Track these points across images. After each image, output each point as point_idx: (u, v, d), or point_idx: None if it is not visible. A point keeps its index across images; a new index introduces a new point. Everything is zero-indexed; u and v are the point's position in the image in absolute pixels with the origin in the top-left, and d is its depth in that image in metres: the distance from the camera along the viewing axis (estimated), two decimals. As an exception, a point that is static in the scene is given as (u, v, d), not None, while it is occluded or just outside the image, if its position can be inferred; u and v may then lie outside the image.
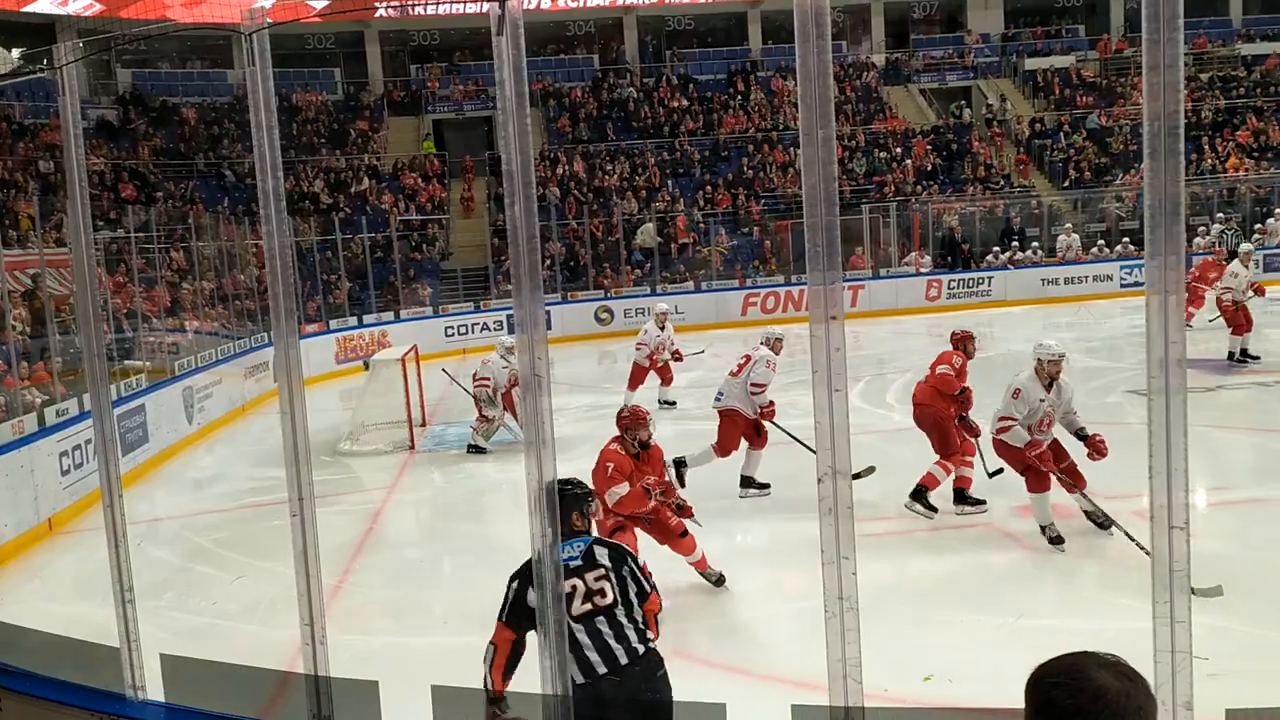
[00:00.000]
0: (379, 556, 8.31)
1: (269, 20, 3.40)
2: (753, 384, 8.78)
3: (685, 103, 29.98)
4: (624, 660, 3.75)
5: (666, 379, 13.34)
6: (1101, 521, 7.05)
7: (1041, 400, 7.05)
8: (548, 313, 20.63)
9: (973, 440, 8.07)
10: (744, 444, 8.92)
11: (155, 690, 3.83)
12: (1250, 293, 13.50)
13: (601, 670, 3.71)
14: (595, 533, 4.83)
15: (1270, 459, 9.28)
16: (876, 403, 12.89)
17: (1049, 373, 7.07)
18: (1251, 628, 5.42)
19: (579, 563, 3.93)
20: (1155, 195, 3.02)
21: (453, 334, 21.04)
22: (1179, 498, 3.02)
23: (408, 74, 32.09)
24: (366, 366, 13.63)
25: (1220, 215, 24.72)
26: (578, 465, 10.31)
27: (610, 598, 3.87)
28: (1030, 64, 31.54)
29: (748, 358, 8.97)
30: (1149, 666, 2.99)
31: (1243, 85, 29.98)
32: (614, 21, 32.65)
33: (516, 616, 3.78)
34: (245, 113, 4.09)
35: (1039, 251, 24.62)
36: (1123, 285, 22.68)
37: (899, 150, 28.12)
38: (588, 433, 12.06)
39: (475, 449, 11.41)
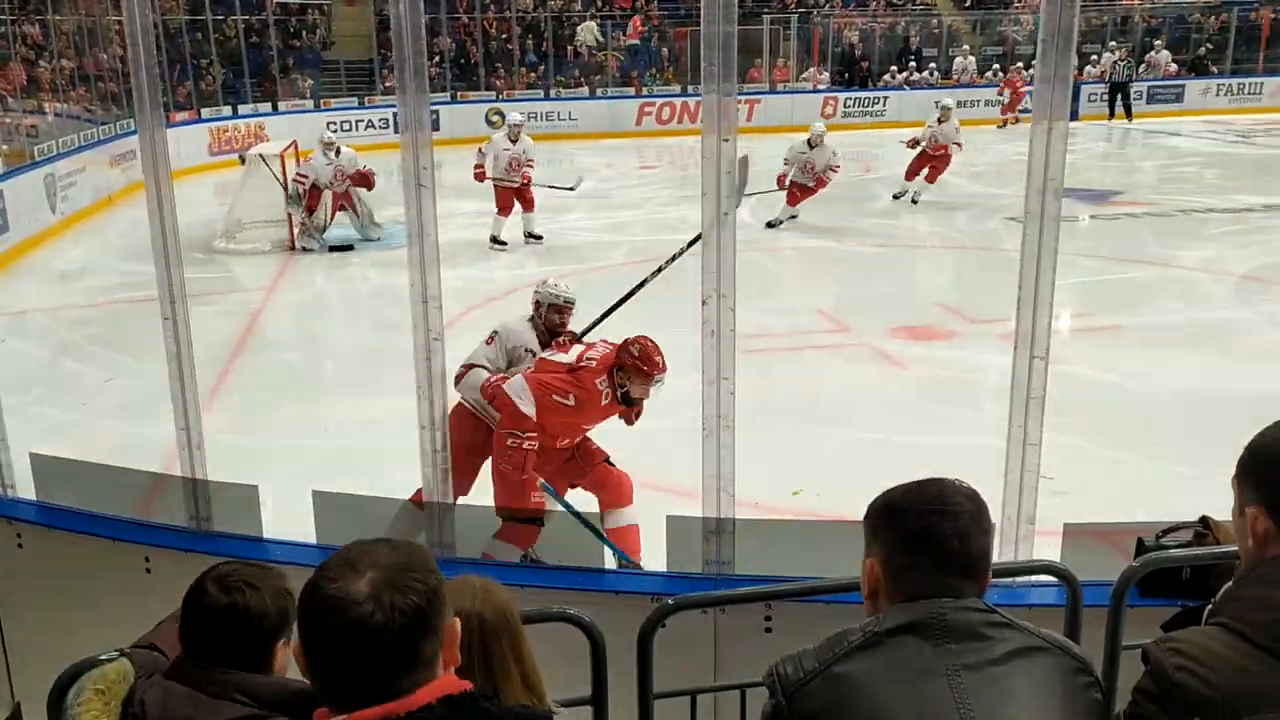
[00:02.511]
0: (259, 357, 8.18)
1: None
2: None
3: (586, -108, 28.31)
4: None
5: (527, 202, 11.66)
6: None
7: (530, 352, 4.65)
8: (436, 113, 19.99)
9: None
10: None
11: (26, 488, 3.77)
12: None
13: None
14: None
15: (1131, 288, 9.74)
16: (766, 219, 12.95)
17: (548, 322, 4.75)
18: (1101, 448, 5.79)
19: None
20: (1050, 19, 3.00)
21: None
22: (1042, 326, 3.15)
23: None
24: (242, 161, 12.98)
25: (1112, 44, 24.96)
26: (463, 273, 10.28)
27: None
28: (943, -127, 30.59)
29: None
30: (998, 481, 3.19)
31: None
32: None
33: None
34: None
35: (935, 73, 24.58)
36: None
37: (804, -42, 27.29)
38: (474, 239, 11.90)
39: (306, 249, 11.44)
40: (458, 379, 4.44)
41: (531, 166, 11.66)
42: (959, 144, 13.49)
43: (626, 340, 4.33)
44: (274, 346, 8.74)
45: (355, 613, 1.25)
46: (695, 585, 3.00)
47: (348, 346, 8.65)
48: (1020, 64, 24.00)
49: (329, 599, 1.27)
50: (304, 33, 23.38)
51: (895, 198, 13.91)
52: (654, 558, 3.16)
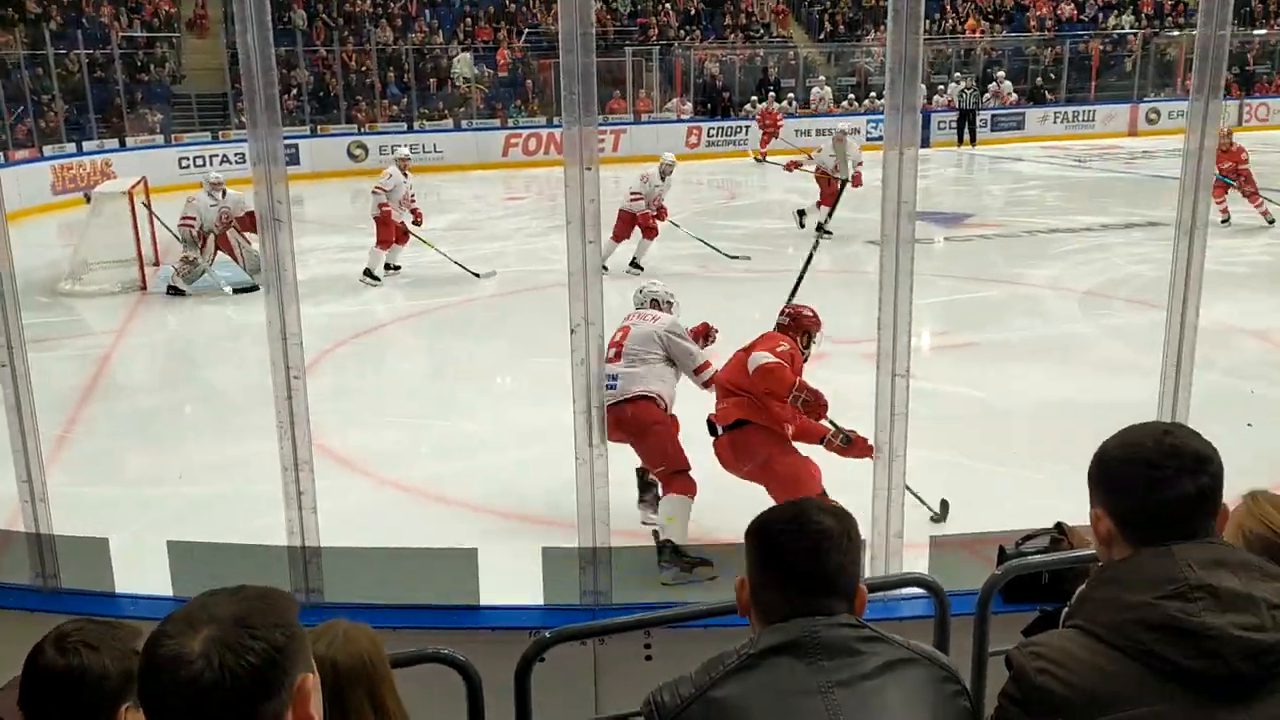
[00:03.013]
0: (109, 404, 7.81)
1: None
2: (631, 192, 11.50)
3: (444, -75, 28.25)
4: None
5: (403, 236, 11.60)
6: None
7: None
8: (295, 147, 19.58)
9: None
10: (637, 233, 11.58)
11: None
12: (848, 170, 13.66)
13: None
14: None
15: (985, 306, 10.16)
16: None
17: None
18: (961, 459, 5.99)
19: None
20: (897, 49, 3.11)
21: (188, 165, 19.46)
22: (902, 345, 3.25)
23: None
24: (88, 199, 12.43)
25: (957, 75, 26.13)
26: (328, 309, 10.04)
27: None
28: (792, -90, 31.64)
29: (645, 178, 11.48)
30: (867, 498, 3.27)
31: (984, -52, 31.33)
32: None
33: None
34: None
35: (793, 102, 25.29)
36: (869, 139, 23.70)
37: (663, -9, 27.81)
38: (340, 275, 11.65)
39: (174, 290, 10.81)
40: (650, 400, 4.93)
41: (414, 200, 11.66)
42: (860, 163, 13.77)
43: (793, 312, 5.21)
44: (126, 391, 8.36)
45: (186, 672, 1.19)
46: (573, 617, 2.96)
47: (206, 389, 8.33)
48: (774, 96, 24.36)
49: (162, 657, 1.21)
50: (152, 66, 22.59)
51: (819, 230, 13.36)
52: (530, 591, 3.11)
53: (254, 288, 10.83)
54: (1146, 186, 17.83)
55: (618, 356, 5.04)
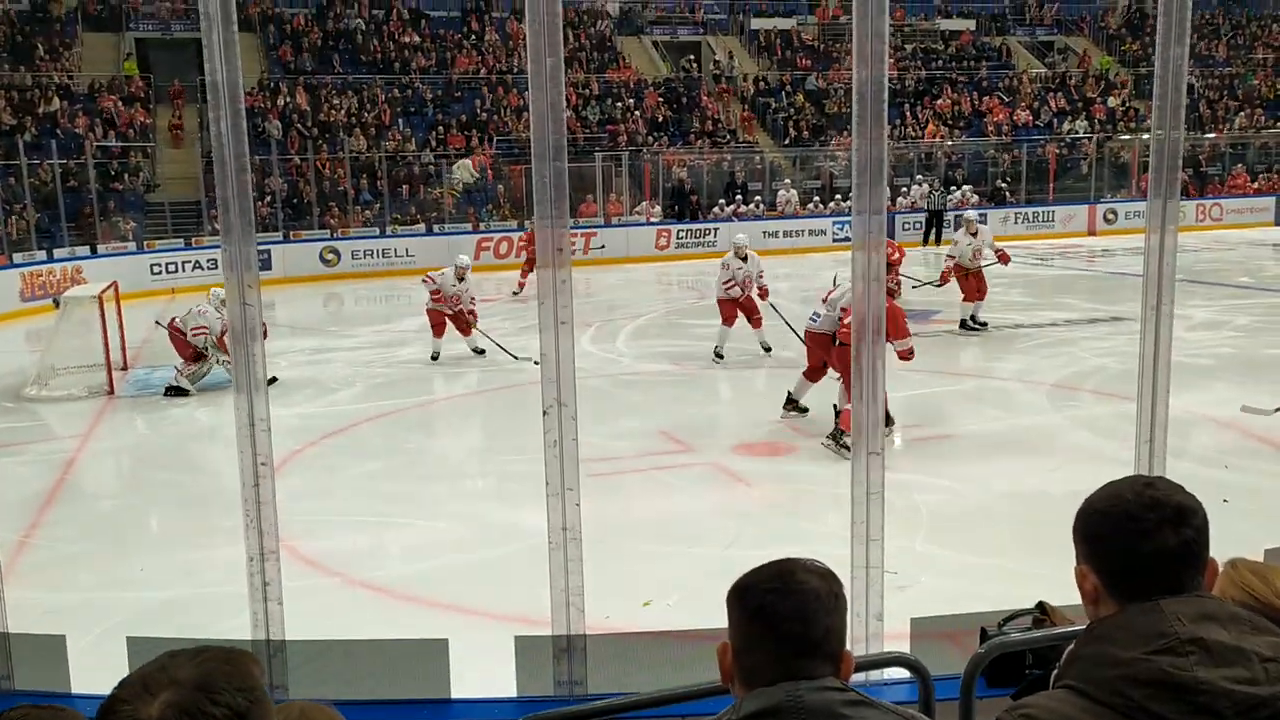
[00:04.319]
0: (72, 508, 7.63)
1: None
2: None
3: (417, 39, 29.00)
4: None
5: (466, 328, 12.42)
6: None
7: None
8: (267, 252, 19.66)
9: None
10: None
11: None
12: (985, 260, 13.76)
13: None
14: None
15: (955, 399, 10.21)
16: (607, 348, 13.12)
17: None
18: (938, 550, 5.95)
19: None
20: (862, 153, 3.19)
21: (160, 272, 19.49)
22: (876, 427, 3.24)
23: (106, -15, 29.14)
24: (57, 304, 12.37)
25: (919, 177, 26.78)
26: (299, 410, 9.95)
27: None
28: (756, 24, 32.74)
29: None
30: (845, 582, 3.21)
31: (941, 58, 32.48)
32: (341, -53, 30.96)
33: None
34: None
35: (760, 205, 25.79)
36: (835, 240, 24.15)
37: (631, 100, 28.52)
38: (311, 377, 11.59)
39: (176, 391, 10.64)
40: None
41: (474, 303, 12.53)
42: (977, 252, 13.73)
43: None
44: (89, 496, 8.18)
45: None
46: (547, 708, 2.86)
47: (172, 492, 8.16)
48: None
49: None
50: (126, 175, 22.78)
51: (975, 326, 13.60)
52: (502, 683, 3.02)
53: (272, 379, 10.81)
54: (1107, 283, 18.19)
55: (823, 302, 8.89)
